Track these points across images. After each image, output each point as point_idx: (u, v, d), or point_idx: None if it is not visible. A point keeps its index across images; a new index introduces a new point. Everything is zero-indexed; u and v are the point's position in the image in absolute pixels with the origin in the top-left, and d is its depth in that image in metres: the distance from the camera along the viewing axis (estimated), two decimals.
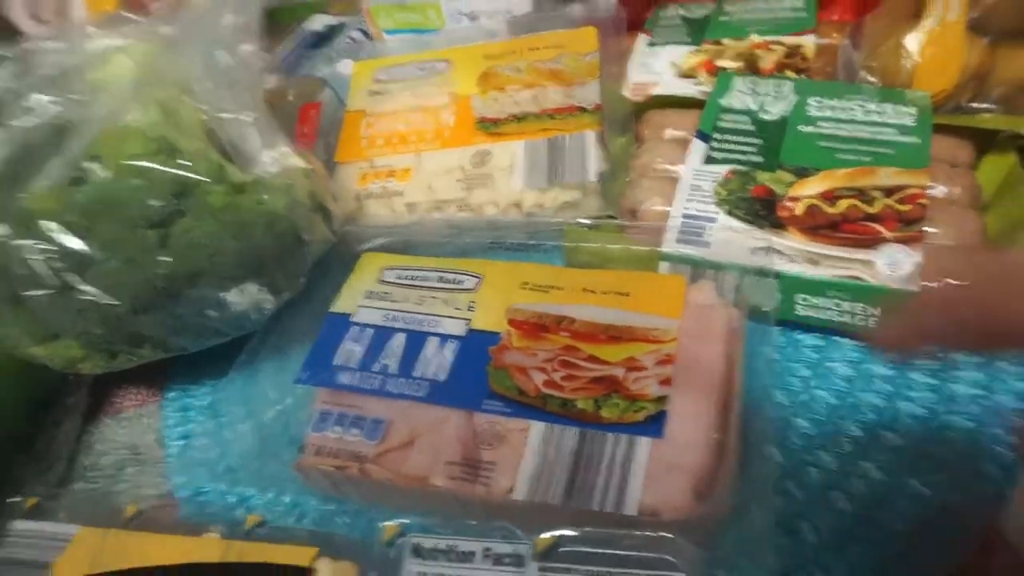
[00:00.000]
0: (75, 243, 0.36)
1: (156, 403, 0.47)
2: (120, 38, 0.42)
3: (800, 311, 0.39)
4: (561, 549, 0.29)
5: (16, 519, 0.37)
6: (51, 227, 0.35)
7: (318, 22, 0.71)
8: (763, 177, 0.41)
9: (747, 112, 0.45)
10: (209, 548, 0.33)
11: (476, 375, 0.36)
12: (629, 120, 0.49)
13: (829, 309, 0.38)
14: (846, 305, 0.38)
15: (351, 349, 0.39)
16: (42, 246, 0.35)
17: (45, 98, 0.38)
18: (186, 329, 0.40)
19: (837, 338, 0.39)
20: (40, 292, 0.36)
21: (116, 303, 0.36)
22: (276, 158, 0.40)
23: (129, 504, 0.36)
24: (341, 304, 0.42)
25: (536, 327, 0.38)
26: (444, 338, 0.38)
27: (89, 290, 0.36)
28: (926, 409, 0.35)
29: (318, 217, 0.41)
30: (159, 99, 0.39)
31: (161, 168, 0.36)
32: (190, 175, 0.36)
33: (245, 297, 0.39)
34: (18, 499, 0.38)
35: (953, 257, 0.36)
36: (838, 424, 0.36)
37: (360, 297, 0.42)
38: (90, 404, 0.47)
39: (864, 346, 0.38)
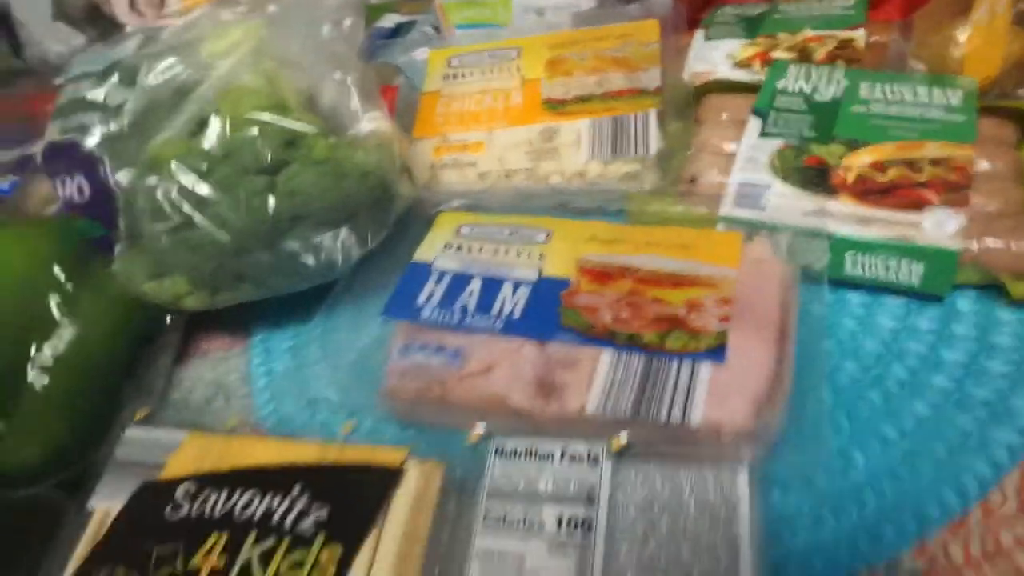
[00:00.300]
0: (196, 184, 0.40)
1: (241, 347, 0.51)
2: (230, 16, 0.47)
3: (849, 270, 0.41)
4: (634, 450, 0.32)
5: (129, 428, 0.41)
6: (176, 169, 0.40)
7: (389, 20, 0.76)
8: (816, 149, 0.45)
9: (801, 94, 0.48)
10: (307, 450, 0.37)
11: (548, 313, 0.40)
12: (688, 104, 0.52)
13: (877, 267, 0.41)
14: (893, 263, 0.40)
15: (431, 291, 0.43)
16: (168, 185, 0.40)
17: (169, 63, 0.43)
18: (282, 270, 0.43)
19: (883, 296, 0.42)
20: (164, 225, 0.41)
21: (226, 239, 0.41)
22: (371, 120, 0.44)
23: (229, 418, 0.40)
24: (421, 254, 0.45)
25: (603, 274, 0.41)
26: (517, 283, 0.42)
27: (205, 225, 0.40)
28: (968, 356, 0.38)
29: (404, 176, 0.45)
30: (264, 69, 0.44)
31: (273, 121, 0.40)
32: (298, 128, 0.41)
33: (336, 243, 0.43)
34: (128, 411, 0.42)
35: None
36: (885, 368, 0.38)
37: (439, 248, 0.45)
38: (180, 346, 0.51)
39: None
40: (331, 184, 0.41)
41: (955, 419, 0.35)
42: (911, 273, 0.40)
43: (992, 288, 0.40)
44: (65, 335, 0.42)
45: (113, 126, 0.43)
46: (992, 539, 0.31)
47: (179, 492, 0.37)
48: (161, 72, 0.42)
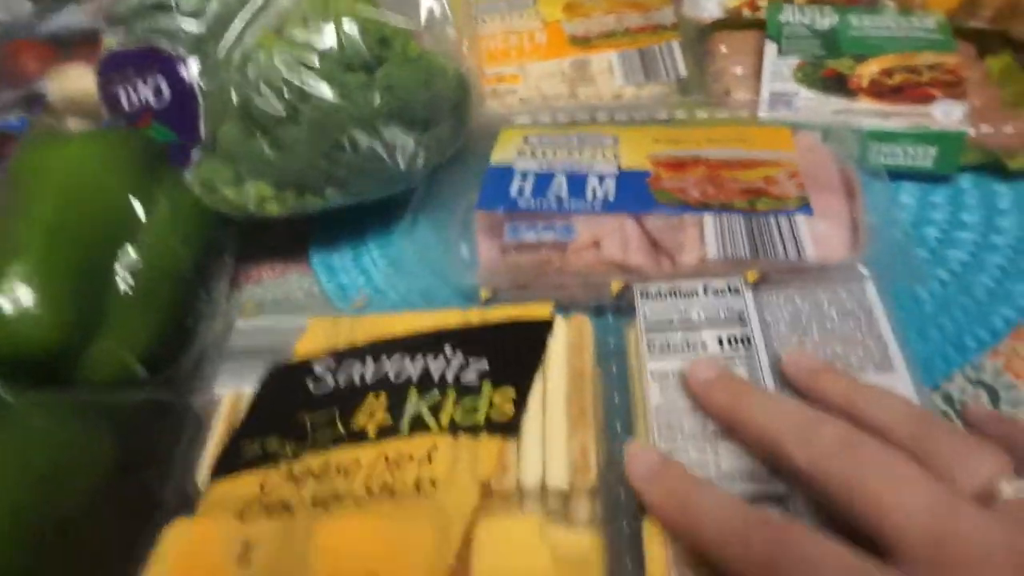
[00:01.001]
0: (301, 76, 0.40)
1: (296, 271, 0.50)
2: None
3: (873, 158, 0.48)
4: (767, 281, 0.36)
5: (239, 321, 0.40)
6: (280, 62, 0.40)
7: None
8: (830, 63, 0.52)
9: (802, 24, 0.55)
10: (448, 317, 0.38)
11: (640, 194, 0.43)
12: (700, 39, 0.58)
13: (897, 154, 0.48)
14: (911, 149, 0.48)
15: (520, 186, 0.45)
16: (270, 76, 0.40)
17: None
18: (367, 173, 0.44)
19: (899, 181, 0.49)
20: (259, 121, 0.40)
21: (329, 132, 0.41)
22: (444, 28, 0.46)
23: (358, 297, 0.40)
24: (497, 159, 0.47)
25: (678, 164, 0.45)
26: (601, 176, 0.45)
27: (310, 116, 0.40)
28: (981, 217, 0.45)
29: (475, 84, 0.48)
30: None
31: (372, 19, 0.42)
32: (392, 25, 0.42)
33: (420, 147, 0.45)
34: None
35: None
36: (921, 231, 0.45)
37: (513, 155, 0.48)
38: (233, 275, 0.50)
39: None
40: (424, 82, 0.43)
41: (991, 258, 0.42)
42: (926, 156, 0.48)
43: (984, 168, 0.48)
44: (147, 239, 0.41)
45: (194, 28, 0.42)
46: None
47: (318, 368, 0.37)
48: None
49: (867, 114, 0.49)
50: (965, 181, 0.49)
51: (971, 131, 0.47)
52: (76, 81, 0.53)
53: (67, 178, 0.40)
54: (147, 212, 0.41)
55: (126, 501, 0.32)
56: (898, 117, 0.48)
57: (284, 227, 0.51)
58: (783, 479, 0.28)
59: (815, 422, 0.27)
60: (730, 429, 0.30)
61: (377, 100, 0.41)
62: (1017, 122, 0.48)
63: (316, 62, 0.41)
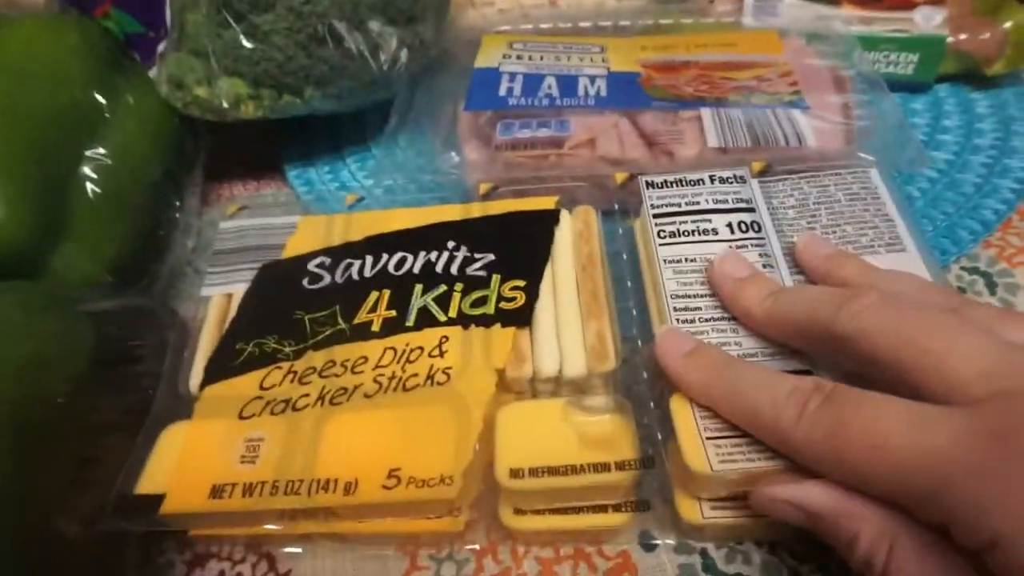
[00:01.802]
0: None
1: (270, 187, 0.48)
2: None
3: (856, 64, 0.48)
4: (771, 171, 0.36)
5: (223, 221, 0.37)
6: None
7: None
8: None
9: None
10: (449, 211, 0.36)
11: (633, 91, 0.42)
12: None
13: (879, 62, 0.48)
14: (892, 56, 0.48)
15: (509, 86, 0.43)
16: None
17: None
18: (348, 73, 0.41)
19: None
20: (234, 9, 0.37)
21: (309, 19, 0.38)
22: None
23: (346, 194, 0.37)
24: (482, 63, 0.45)
25: (668, 67, 0.44)
26: (592, 77, 0.44)
27: (289, 1, 0.37)
28: (962, 121, 0.46)
29: None
30: None
31: None
32: None
33: (402, 45, 0.42)
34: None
35: None
36: None
37: (498, 58, 0.46)
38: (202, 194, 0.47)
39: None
40: None
41: (974, 158, 0.43)
42: (907, 63, 0.48)
43: (957, 78, 0.49)
44: (113, 138, 0.37)
45: None
46: None
47: (312, 265, 0.35)
48: None
49: (849, 20, 0.48)
50: (942, 91, 0.49)
51: (950, 38, 0.48)
52: None
53: (21, 61, 0.36)
54: (111, 109, 0.38)
55: (113, 401, 0.30)
56: (880, 22, 0.48)
57: (253, 142, 0.49)
58: (806, 358, 0.28)
59: (851, 292, 0.26)
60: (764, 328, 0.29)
61: None
62: (993, 29, 0.48)
63: None
